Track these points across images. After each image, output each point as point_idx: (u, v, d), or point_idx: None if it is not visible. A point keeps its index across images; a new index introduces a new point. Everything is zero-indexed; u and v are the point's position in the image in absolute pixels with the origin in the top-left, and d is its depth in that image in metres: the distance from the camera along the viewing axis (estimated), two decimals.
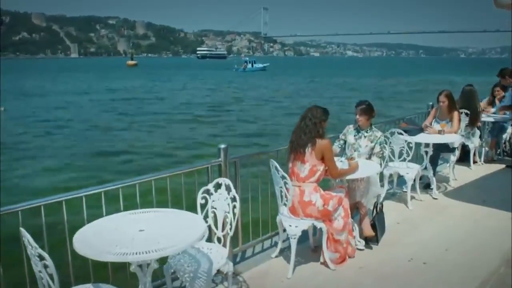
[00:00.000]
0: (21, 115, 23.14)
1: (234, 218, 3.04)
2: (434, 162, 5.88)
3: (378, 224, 4.27)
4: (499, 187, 5.85)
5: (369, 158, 4.52)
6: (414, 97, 30.07)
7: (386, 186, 5.53)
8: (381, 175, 5.52)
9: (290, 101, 30.47)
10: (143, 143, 15.96)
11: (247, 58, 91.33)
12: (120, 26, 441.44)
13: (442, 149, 5.95)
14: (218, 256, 3.09)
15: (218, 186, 3.18)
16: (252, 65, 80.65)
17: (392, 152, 5.35)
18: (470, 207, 5.24)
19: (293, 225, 3.70)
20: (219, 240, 3.18)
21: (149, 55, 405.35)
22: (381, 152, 4.52)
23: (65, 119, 21.83)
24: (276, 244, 4.12)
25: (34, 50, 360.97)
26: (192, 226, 2.68)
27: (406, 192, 5.72)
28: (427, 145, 5.70)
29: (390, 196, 5.71)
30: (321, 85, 44.21)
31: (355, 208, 4.33)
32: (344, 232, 3.82)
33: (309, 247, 4.15)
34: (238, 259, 4.02)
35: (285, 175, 3.63)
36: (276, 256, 4.02)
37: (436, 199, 5.61)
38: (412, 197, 5.57)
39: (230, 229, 3.06)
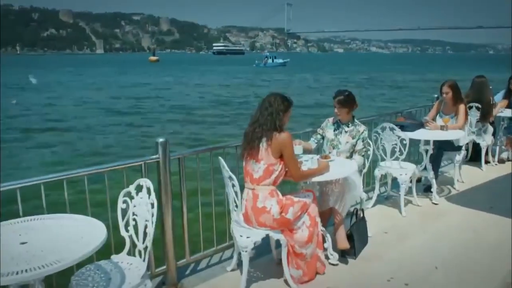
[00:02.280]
0: (30, 108, 23.07)
1: (152, 228, 2.46)
2: (436, 162, 5.17)
3: (356, 234, 3.62)
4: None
5: (351, 156, 3.86)
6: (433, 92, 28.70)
7: (377, 189, 4.84)
8: (372, 176, 4.87)
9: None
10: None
11: (268, 54, 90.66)
12: (145, 22, 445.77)
13: (445, 147, 5.22)
14: (136, 273, 2.51)
15: (140, 189, 2.60)
16: (273, 60, 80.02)
17: (384, 150, 4.66)
18: (473, 215, 4.52)
19: (244, 236, 3.09)
20: (140, 253, 2.61)
21: (173, 51, 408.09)
22: (364, 150, 3.86)
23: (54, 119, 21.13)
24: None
25: (61, 46, 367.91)
26: (89, 236, 2.15)
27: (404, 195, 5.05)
28: (426, 142, 4.99)
29: (383, 200, 5.03)
30: (339, 81, 43.02)
31: (330, 216, 3.69)
32: (310, 245, 3.18)
33: (273, 260, 3.53)
34: (187, 272, 3.44)
35: (233, 176, 3.02)
36: (233, 270, 3.42)
37: (436, 204, 4.89)
38: (409, 202, 4.89)
39: (154, 240, 2.50)
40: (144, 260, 2.56)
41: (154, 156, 3.06)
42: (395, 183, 4.95)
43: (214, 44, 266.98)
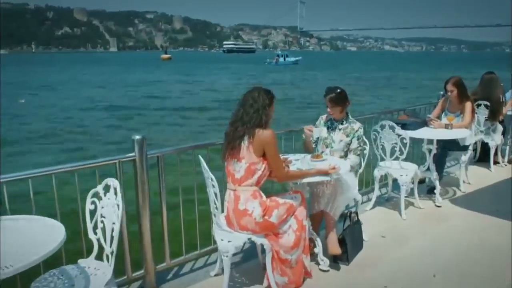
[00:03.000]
0: (38, 107, 23.17)
1: (117, 230, 2.29)
2: (440, 162, 4.91)
3: (349, 239, 3.39)
4: None
5: (345, 155, 3.64)
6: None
7: (377, 190, 4.61)
8: (372, 177, 4.63)
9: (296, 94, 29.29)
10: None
11: (279, 52, 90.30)
12: (158, 21, 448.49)
13: (450, 147, 4.96)
14: (102, 279, 2.34)
15: (108, 189, 2.43)
16: (284, 59, 79.64)
17: (383, 149, 4.42)
18: (478, 218, 4.27)
19: (225, 240, 2.89)
20: (108, 258, 2.43)
21: (186, 49, 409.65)
22: (359, 148, 3.63)
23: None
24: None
25: (76, 44, 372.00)
26: (47, 238, 1.98)
27: (405, 197, 4.81)
28: (430, 141, 4.73)
29: (383, 202, 4.80)
30: (350, 79, 42.55)
31: (322, 219, 3.48)
32: (296, 250, 2.96)
33: (260, 265, 3.32)
34: (169, 277, 3.26)
35: (212, 176, 2.83)
36: (217, 275, 3.22)
37: (439, 206, 4.63)
38: (410, 204, 4.65)
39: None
40: (110, 265, 2.38)
41: (130, 154, 2.88)
42: (396, 184, 4.71)
43: (224, 42, 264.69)
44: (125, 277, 3.01)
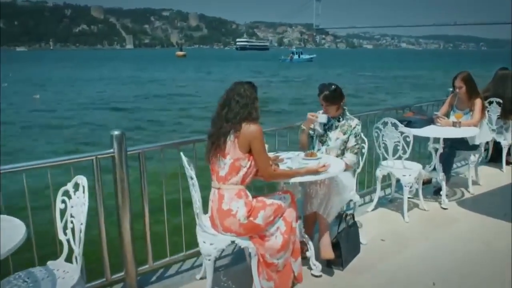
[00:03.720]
0: (52, 102, 23.35)
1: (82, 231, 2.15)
2: (447, 162, 4.66)
3: (344, 242, 3.19)
4: None
5: (342, 154, 3.44)
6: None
7: (379, 191, 4.39)
8: (374, 177, 4.42)
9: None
10: None
11: (294, 49, 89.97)
12: (174, 18, 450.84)
13: (458, 146, 4.71)
14: (70, 283, 2.19)
15: (77, 187, 2.28)
16: (299, 56, 79.38)
17: (386, 147, 4.20)
18: (485, 222, 4.02)
19: (207, 242, 2.72)
20: (77, 260, 2.28)
21: (201, 46, 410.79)
22: (356, 147, 3.43)
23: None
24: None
25: (93, 41, 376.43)
26: (5, 237, 1.86)
27: (409, 198, 4.59)
28: (436, 140, 4.50)
29: (386, 203, 4.58)
30: (363, 77, 42.00)
31: (316, 221, 3.29)
32: (284, 254, 2.78)
33: (248, 268, 3.14)
34: (153, 279, 3.11)
35: (193, 175, 2.66)
36: (202, 278, 3.05)
37: (445, 209, 4.39)
38: (415, 206, 4.43)
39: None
40: (78, 268, 2.24)
41: (108, 151, 2.73)
42: (400, 184, 4.47)
43: (237, 40, 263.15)
44: (104, 279, 2.87)
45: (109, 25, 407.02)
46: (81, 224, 2.21)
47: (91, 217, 2.40)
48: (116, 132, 2.73)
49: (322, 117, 3.34)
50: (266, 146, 3.16)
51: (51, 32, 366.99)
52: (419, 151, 5.17)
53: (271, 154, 3.16)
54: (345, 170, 3.41)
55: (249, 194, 2.70)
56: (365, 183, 4.62)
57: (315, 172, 2.83)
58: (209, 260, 2.72)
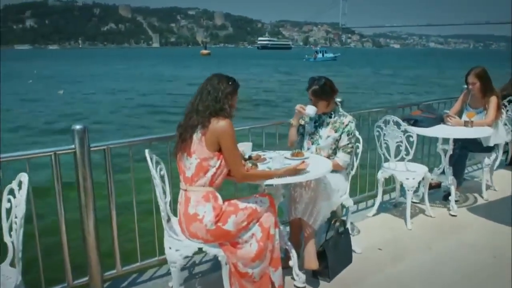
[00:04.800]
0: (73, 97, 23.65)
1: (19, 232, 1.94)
2: (458, 164, 4.30)
3: (331, 251, 2.90)
4: None
5: (334, 153, 3.15)
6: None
7: (380, 195, 4.07)
8: (375, 180, 4.10)
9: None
10: None
11: (318, 48, 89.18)
12: (200, 17, 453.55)
13: (471, 147, 4.34)
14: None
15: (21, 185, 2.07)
16: (323, 55, 78.59)
17: (387, 148, 3.87)
18: (497, 231, 3.65)
19: (173, 248, 2.48)
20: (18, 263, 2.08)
21: (226, 45, 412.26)
22: (349, 146, 3.12)
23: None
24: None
25: (120, 40, 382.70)
26: None
27: (416, 203, 4.27)
28: (445, 141, 4.14)
29: (390, 208, 4.26)
30: (384, 77, 40.98)
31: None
32: (259, 263, 2.51)
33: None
34: (124, 285, 2.89)
35: (155, 174, 2.42)
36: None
37: (454, 216, 4.03)
38: (421, 212, 4.10)
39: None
40: (19, 272, 2.03)
41: (69, 146, 2.52)
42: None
43: (259, 39, 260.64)
44: (65, 284, 2.66)
45: (136, 24, 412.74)
46: (18, 224, 2.01)
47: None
48: (77, 127, 2.51)
49: (310, 109, 3.05)
50: (249, 145, 2.92)
51: (80, 31, 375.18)
52: (428, 153, 4.80)
53: (254, 153, 2.91)
54: (337, 172, 3.14)
55: (219, 197, 2.45)
56: (367, 185, 4.31)
57: (295, 172, 2.55)
58: (174, 267, 2.48)
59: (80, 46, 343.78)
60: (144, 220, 3.08)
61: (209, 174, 2.40)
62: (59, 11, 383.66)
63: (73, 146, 2.51)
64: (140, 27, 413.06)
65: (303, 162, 2.59)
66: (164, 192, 2.63)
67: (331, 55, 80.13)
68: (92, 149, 2.58)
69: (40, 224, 2.58)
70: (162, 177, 2.62)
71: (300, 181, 2.64)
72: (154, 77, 38.65)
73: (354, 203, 4.29)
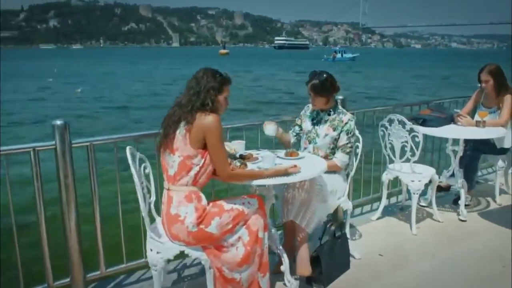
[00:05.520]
0: (92, 96, 23.87)
1: None
2: (470, 167, 4.08)
3: (326, 256, 2.74)
4: None
5: (333, 153, 2.99)
6: None
7: (385, 198, 3.88)
8: (379, 181, 3.92)
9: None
10: None
11: (337, 48, 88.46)
12: (219, 17, 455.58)
13: (483, 149, 4.12)
14: None
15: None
16: (342, 55, 77.90)
17: (392, 148, 3.69)
18: (508, 239, 3.41)
19: (154, 250, 2.36)
20: None
21: (246, 44, 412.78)
22: (349, 145, 2.96)
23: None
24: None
25: (140, 39, 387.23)
26: None
27: (423, 206, 4.08)
28: (455, 142, 3.93)
29: (396, 211, 4.07)
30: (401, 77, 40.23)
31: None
32: (247, 267, 2.38)
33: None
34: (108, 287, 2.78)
35: (134, 172, 2.30)
36: None
37: (463, 221, 3.81)
38: (428, 216, 3.90)
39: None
40: None
41: (50, 142, 2.42)
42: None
43: (276, 38, 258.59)
44: (46, 285, 2.57)
45: (157, 24, 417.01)
46: None
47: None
48: (58, 122, 2.41)
49: (269, 130, 2.86)
50: (242, 143, 2.79)
51: (101, 30, 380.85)
52: (439, 154, 4.58)
53: (248, 152, 2.77)
54: (335, 172, 2.98)
55: (202, 197, 2.31)
56: (371, 187, 4.12)
57: (285, 173, 2.40)
58: (155, 271, 2.36)
59: (102, 45, 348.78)
60: (131, 219, 2.96)
61: (192, 172, 2.27)
62: (81, 11, 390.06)
63: (53, 142, 2.41)
64: (160, 26, 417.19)
65: (295, 166, 2.43)
66: (149, 191, 2.52)
67: (350, 55, 79.44)
68: (74, 145, 2.48)
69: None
70: (147, 176, 2.51)
71: (290, 182, 2.48)
72: (169, 76, 38.79)
73: (358, 206, 4.15)
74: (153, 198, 2.53)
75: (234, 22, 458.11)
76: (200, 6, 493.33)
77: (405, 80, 35.98)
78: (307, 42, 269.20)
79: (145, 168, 2.49)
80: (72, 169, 2.47)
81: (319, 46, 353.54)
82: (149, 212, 2.46)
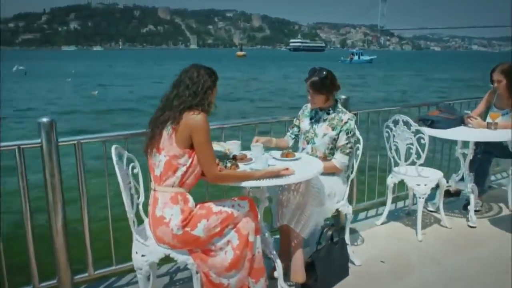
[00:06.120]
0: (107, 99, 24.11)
1: None
2: (481, 171, 3.90)
3: (321, 263, 2.62)
4: None
5: (332, 154, 2.86)
6: None
7: (390, 202, 3.73)
8: (384, 184, 3.77)
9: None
10: None
11: (354, 50, 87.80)
12: (237, 19, 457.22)
13: (495, 152, 3.93)
14: None
15: None
16: (359, 57, 77.28)
17: (397, 150, 3.54)
18: None
19: (139, 253, 2.28)
20: None
21: (263, 47, 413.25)
22: (348, 146, 2.83)
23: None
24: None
25: (159, 41, 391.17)
26: None
27: (431, 212, 3.92)
28: (465, 144, 3.76)
29: (402, 216, 3.92)
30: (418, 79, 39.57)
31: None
32: (236, 272, 2.27)
33: None
34: None
35: (117, 171, 2.22)
36: None
37: (473, 227, 3.64)
38: (436, 221, 3.74)
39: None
40: None
41: (35, 141, 2.37)
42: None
43: (291, 40, 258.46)
44: (31, 286, 2.51)
45: (175, 26, 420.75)
46: None
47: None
48: (44, 119, 2.35)
49: (235, 148, 2.67)
50: (237, 144, 2.69)
51: (120, 33, 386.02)
52: (449, 157, 4.41)
53: (242, 152, 2.67)
54: (333, 174, 2.86)
55: (189, 199, 2.22)
56: (376, 191, 3.98)
57: (277, 175, 2.30)
58: (140, 274, 2.27)
59: (120, 47, 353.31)
60: (122, 220, 2.88)
61: (179, 173, 2.19)
62: (101, 14, 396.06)
63: (39, 140, 2.35)
64: (178, 28, 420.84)
65: (287, 169, 2.32)
66: (138, 192, 2.44)
67: (367, 57, 78.75)
68: (60, 144, 2.42)
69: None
70: (135, 176, 2.43)
71: (281, 184, 2.38)
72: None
73: (363, 210, 4.01)
74: (141, 199, 2.45)
75: (252, 24, 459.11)
76: (218, 9, 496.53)
77: (422, 83, 35.43)
78: (323, 44, 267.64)
79: (133, 168, 2.41)
80: (58, 168, 2.40)
81: (336, 49, 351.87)
82: (137, 213, 2.39)
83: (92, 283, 2.73)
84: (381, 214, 3.87)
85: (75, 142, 2.50)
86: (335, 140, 2.84)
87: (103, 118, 17.19)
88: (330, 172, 2.82)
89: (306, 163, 2.60)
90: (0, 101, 17.86)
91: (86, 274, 2.66)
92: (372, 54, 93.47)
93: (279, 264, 2.55)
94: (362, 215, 3.96)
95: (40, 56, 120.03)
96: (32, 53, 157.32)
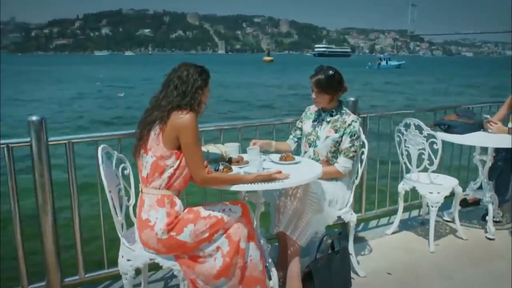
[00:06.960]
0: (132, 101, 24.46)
1: None
2: (502, 179, 3.67)
3: (319, 273, 2.48)
4: None
5: (335, 157, 2.72)
6: None
7: (401, 211, 3.55)
8: (395, 192, 3.59)
9: None
10: None
11: (382, 56, 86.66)
12: (265, 24, 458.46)
13: None
14: None
15: None
16: (387, 62, 76.14)
17: (409, 156, 3.36)
18: None
19: (125, 257, 2.19)
20: None
21: (291, 52, 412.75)
22: (352, 149, 2.68)
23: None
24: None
25: (187, 46, 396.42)
26: None
27: (447, 222, 3.72)
28: (483, 150, 3.54)
29: (415, 225, 3.73)
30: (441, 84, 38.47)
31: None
32: (225, 281, 2.16)
33: None
34: None
35: (102, 173, 2.14)
36: None
37: (491, 239, 3.42)
38: (452, 232, 3.53)
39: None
40: None
41: (25, 139, 2.32)
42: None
43: (315, 46, 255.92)
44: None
45: (203, 31, 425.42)
46: None
47: None
48: (33, 118, 2.31)
49: (232, 150, 2.53)
50: (235, 146, 2.58)
51: (150, 38, 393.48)
52: (468, 164, 4.18)
53: (240, 155, 2.56)
54: (336, 180, 2.72)
55: (177, 202, 2.13)
56: (387, 198, 3.80)
57: (269, 179, 2.17)
58: (126, 279, 2.19)
59: (150, 52, 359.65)
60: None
61: (166, 175, 2.10)
62: (132, 19, 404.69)
63: (28, 139, 2.31)
64: (206, 34, 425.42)
65: (280, 171, 2.20)
66: (128, 194, 2.36)
67: (395, 62, 77.58)
68: (50, 143, 2.37)
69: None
70: (126, 177, 2.36)
71: (273, 188, 2.25)
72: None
73: (374, 218, 3.84)
74: (132, 201, 2.38)
75: (280, 30, 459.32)
76: (246, 14, 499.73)
77: (451, 89, 34.45)
78: (349, 50, 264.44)
79: (124, 169, 2.34)
80: (48, 167, 2.36)
81: (365, 54, 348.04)
82: (127, 215, 2.31)
83: (89, 286, 2.66)
84: (392, 223, 3.69)
85: (66, 141, 2.44)
86: (338, 143, 2.69)
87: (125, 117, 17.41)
88: (332, 177, 2.69)
89: (305, 167, 2.47)
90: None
91: (77, 277, 2.60)
92: (401, 59, 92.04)
93: (274, 273, 2.41)
94: (373, 223, 3.78)
95: (75, 61, 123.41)
96: (66, 58, 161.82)
